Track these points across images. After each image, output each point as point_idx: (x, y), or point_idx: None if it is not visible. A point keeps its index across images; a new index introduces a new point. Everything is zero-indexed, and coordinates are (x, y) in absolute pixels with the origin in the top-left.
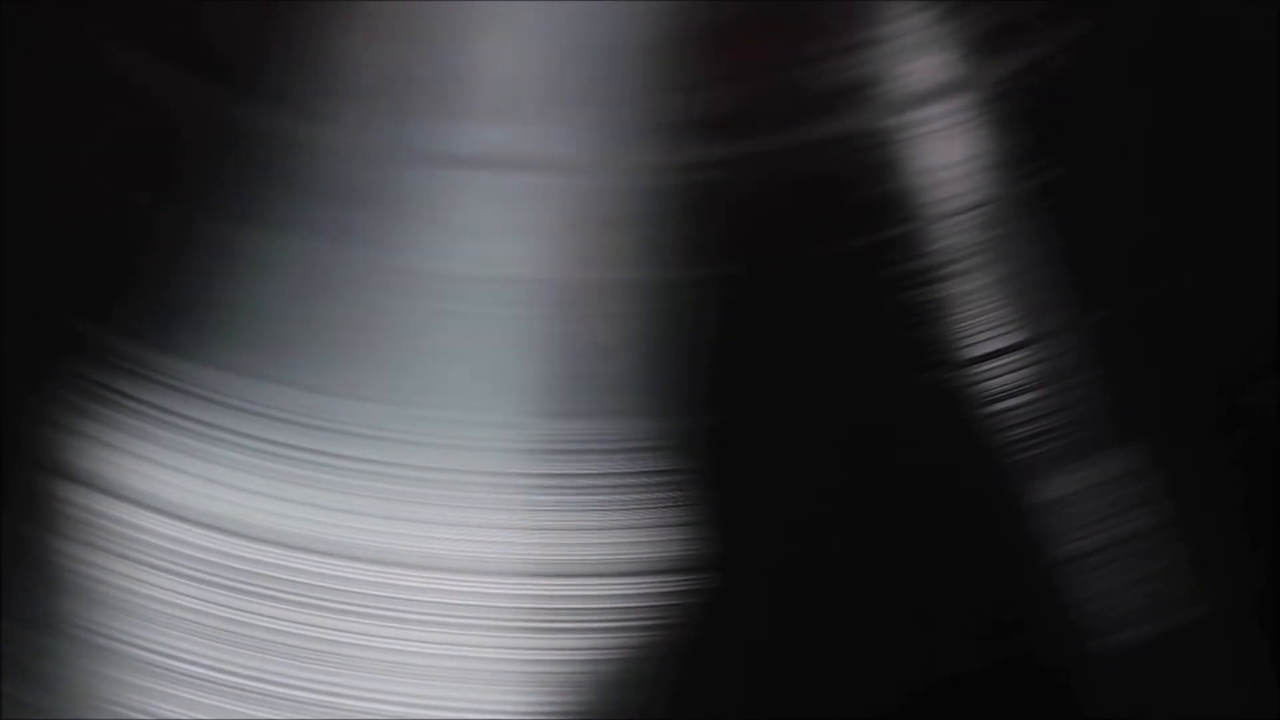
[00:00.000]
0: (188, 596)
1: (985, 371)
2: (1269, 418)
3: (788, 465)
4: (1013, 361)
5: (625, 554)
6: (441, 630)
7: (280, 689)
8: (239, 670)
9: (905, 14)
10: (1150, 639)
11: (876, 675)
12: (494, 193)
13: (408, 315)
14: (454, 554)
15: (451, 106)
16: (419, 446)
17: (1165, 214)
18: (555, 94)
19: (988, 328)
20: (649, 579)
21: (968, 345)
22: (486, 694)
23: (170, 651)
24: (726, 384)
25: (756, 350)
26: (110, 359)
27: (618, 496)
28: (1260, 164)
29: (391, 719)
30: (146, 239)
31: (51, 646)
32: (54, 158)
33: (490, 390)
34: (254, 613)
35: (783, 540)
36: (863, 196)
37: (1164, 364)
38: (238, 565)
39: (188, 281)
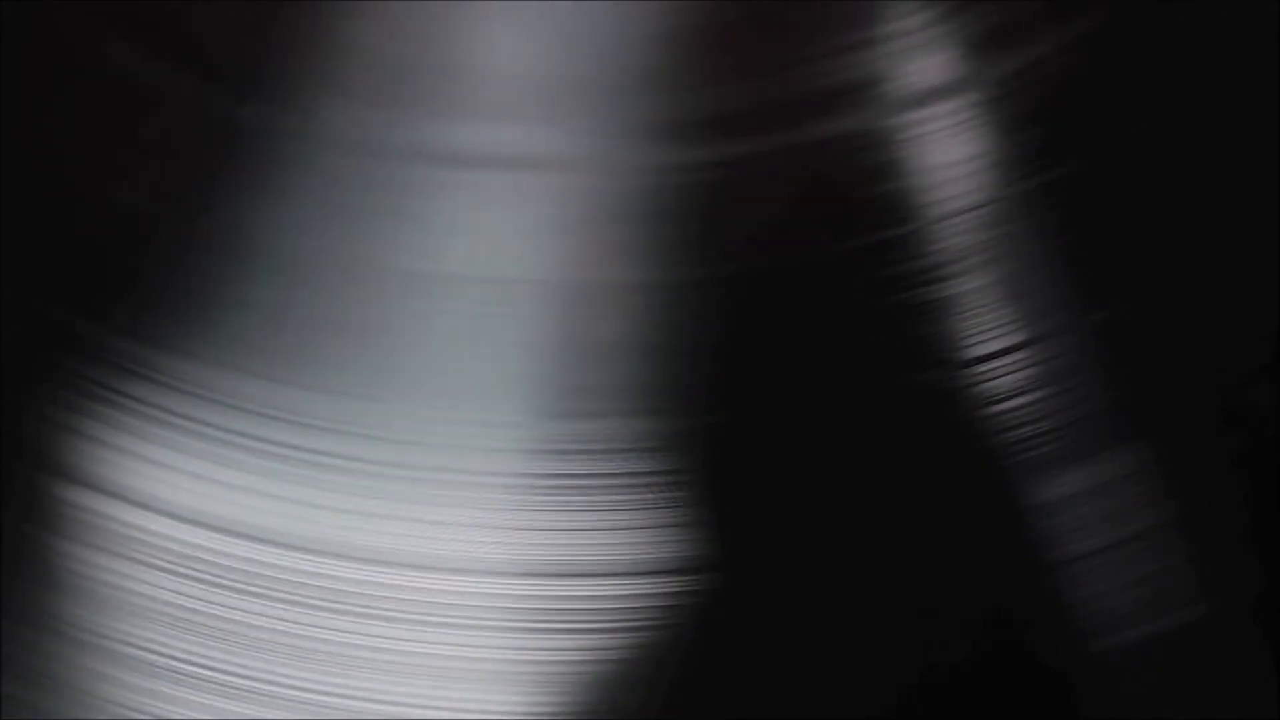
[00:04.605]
0: (188, 596)
1: (986, 372)
2: (1269, 418)
3: (787, 465)
4: (1013, 362)
5: (624, 554)
6: (441, 630)
7: (280, 689)
8: (239, 670)
9: (906, 14)
10: (1150, 639)
11: (876, 675)
12: (494, 193)
13: (407, 315)
14: (453, 554)
15: (451, 105)
16: (418, 446)
17: (1166, 214)
18: (556, 93)
19: (988, 328)
20: (648, 579)
21: (968, 346)
22: (486, 694)
23: (170, 651)
24: (726, 384)
25: (756, 350)
26: (110, 359)
27: (617, 497)
28: (1261, 164)
29: (391, 719)
30: (146, 239)
31: (51, 646)
32: (54, 157)
33: (489, 390)
34: (254, 613)
35: (782, 540)
36: (863, 196)
37: (1164, 365)
38: (237, 565)
39: (187, 281)
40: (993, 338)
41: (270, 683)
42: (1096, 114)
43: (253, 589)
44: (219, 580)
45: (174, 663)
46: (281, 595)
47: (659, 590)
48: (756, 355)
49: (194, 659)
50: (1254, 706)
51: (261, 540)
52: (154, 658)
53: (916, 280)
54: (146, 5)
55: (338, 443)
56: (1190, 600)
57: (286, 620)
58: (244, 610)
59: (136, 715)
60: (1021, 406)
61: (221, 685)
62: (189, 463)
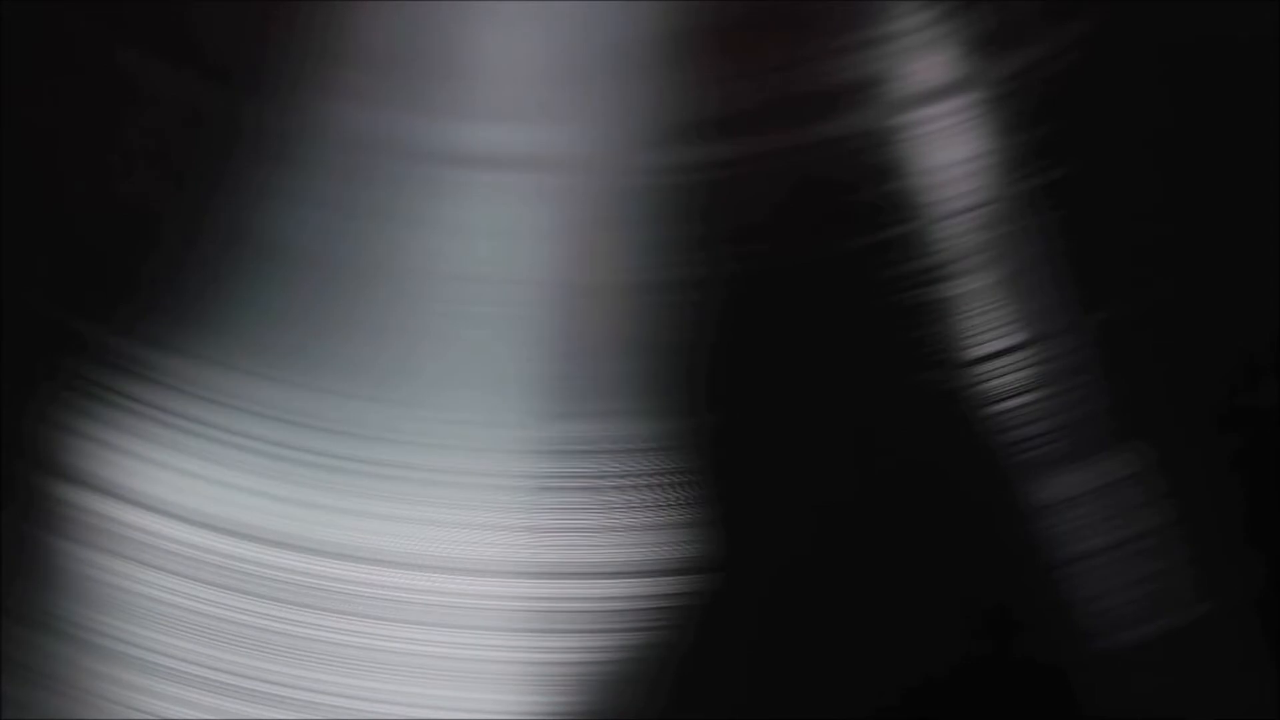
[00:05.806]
0: (188, 596)
1: (987, 372)
2: (1269, 418)
3: (788, 465)
4: (1014, 362)
5: (625, 554)
6: (441, 630)
7: (280, 689)
8: (239, 670)
9: (907, 13)
10: (1150, 639)
11: (876, 675)
12: (494, 193)
13: (408, 315)
14: (454, 554)
15: (452, 105)
16: (419, 446)
17: (1166, 214)
18: (557, 93)
19: (989, 328)
20: (650, 579)
21: (969, 346)
22: (486, 694)
23: (170, 651)
24: (726, 384)
25: (756, 350)
26: (110, 359)
27: (618, 497)
28: (1261, 164)
29: (391, 719)
30: (147, 238)
31: (51, 646)
32: (54, 157)
33: (490, 390)
34: (253, 612)
35: (783, 540)
36: (863, 196)
37: (1165, 365)
38: (237, 565)
39: (188, 281)
40: (993, 338)
41: (270, 683)
42: (1096, 114)
43: (253, 589)
44: (219, 580)
45: (174, 663)
46: (281, 595)
47: (659, 590)
48: (756, 355)
49: (194, 659)
50: (1255, 706)
51: (261, 540)
52: (154, 658)
53: (916, 280)
54: (146, 5)
55: (338, 443)
56: (1191, 600)
57: (286, 620)
58: (243, 610)
59: (136, 715)
60: (1021, 406)
61: (221, 685)
62: (189, 463)
